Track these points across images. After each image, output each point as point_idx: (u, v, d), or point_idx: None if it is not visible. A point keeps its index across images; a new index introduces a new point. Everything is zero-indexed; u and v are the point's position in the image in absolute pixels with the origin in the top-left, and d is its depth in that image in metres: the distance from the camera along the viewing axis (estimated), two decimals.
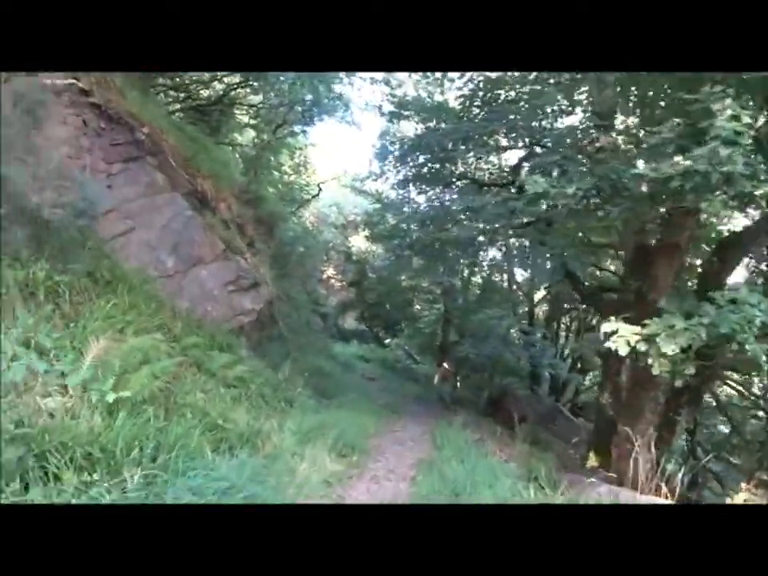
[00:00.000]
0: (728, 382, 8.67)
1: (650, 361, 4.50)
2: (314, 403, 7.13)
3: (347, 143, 52.39)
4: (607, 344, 4.64)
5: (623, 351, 4.52)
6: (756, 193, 4.56)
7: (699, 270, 6.99)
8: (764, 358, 4.53)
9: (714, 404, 9.38)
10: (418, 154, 11.97)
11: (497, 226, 10.68)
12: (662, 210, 5.78)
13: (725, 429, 10.44)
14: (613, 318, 4.77)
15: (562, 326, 18.88)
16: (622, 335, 4.68)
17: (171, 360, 4.48)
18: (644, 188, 5.07)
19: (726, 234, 7.30)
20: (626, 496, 4.84)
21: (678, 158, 4.38)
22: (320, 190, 21.12)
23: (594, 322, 18.02)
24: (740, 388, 8.74)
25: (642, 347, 4.44)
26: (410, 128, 14.60)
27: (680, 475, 4.76)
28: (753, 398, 8.78)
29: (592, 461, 7.49)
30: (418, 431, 8.21)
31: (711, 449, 8.83)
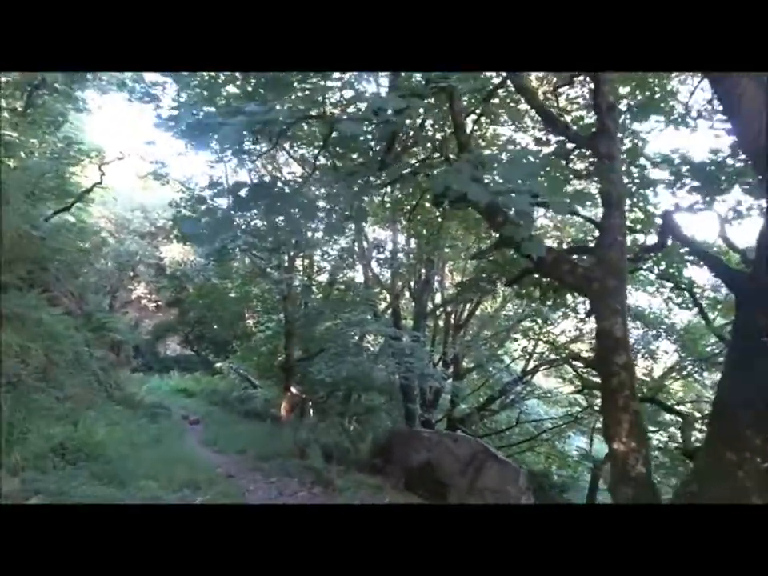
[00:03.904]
0: None
1: None
2: None
3: (142, 124, 43.86)
4: None
5: None
6: None
7: None
8: None
9: None
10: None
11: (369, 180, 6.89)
12: None
13: None
14: None
15: (428, 324, 15.73)
16: None
17: None
18: None
19: None
20: None
21: None
22: (102, 174, 15.65)
23: (465, 314, 15.28)
24: None
25: None
26: None
27: None
28: None
29: None
30: None
31: None
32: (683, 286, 8.48)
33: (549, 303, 8.43)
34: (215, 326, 24.19)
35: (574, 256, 5.32)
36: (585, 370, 11.93)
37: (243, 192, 4.23)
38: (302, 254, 16.01)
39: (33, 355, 7.00)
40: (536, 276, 6.33)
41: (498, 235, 5.56)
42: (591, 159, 6.06)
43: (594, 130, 5.22)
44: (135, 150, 16.81)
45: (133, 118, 44.46)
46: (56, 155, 14.39)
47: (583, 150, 6.43)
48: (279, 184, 8.30)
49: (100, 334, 12.05)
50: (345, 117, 6.79)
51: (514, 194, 3.17)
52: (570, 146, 6.26)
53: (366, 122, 5.78)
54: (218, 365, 22.98)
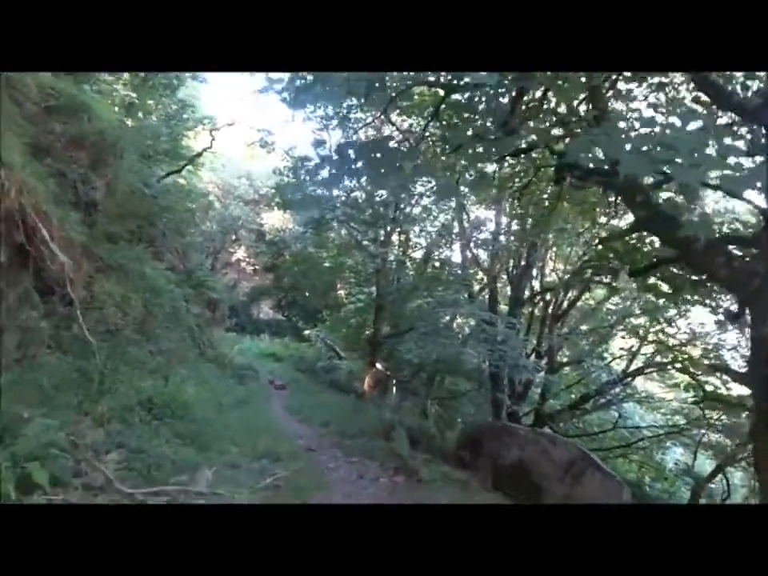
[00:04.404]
0: None
1: None
2: None
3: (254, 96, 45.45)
4: None
5: None
6: None
7: None
8: None
9: None
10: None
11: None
12: None
13: None
14: None
15: (523, 312, 14.83)
16: None
17: None
18: None
19: None
20: None
21: None
22: (213, 139, 16.01)
23: (566, 304, 14.25)
24: None
25: None
26: None
27: None
28: None
29: None
30: None
31: None
32: None
33: (685, 297, 7.38)
34: (307, 294, 24.60)
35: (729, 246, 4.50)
36: (703, 378, 10.66)
37: (351, 152, 3.84)
38: (399, 229, 15.65)
39: (132, 306, 7.14)
40: (670, 268, 5.48)
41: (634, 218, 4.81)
42: (752, 134, 5.11)
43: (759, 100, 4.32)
44: (244, 118, 17.06)
45: (244, 83, 45.78)
46: (171, 117, 14.86)
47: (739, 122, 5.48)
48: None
49: (199, 291, 12.37)
50: (462, 82, 6.22)
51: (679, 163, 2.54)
52: (723, 119, 5.35)
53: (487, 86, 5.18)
54: (307, 332, 23.24)
